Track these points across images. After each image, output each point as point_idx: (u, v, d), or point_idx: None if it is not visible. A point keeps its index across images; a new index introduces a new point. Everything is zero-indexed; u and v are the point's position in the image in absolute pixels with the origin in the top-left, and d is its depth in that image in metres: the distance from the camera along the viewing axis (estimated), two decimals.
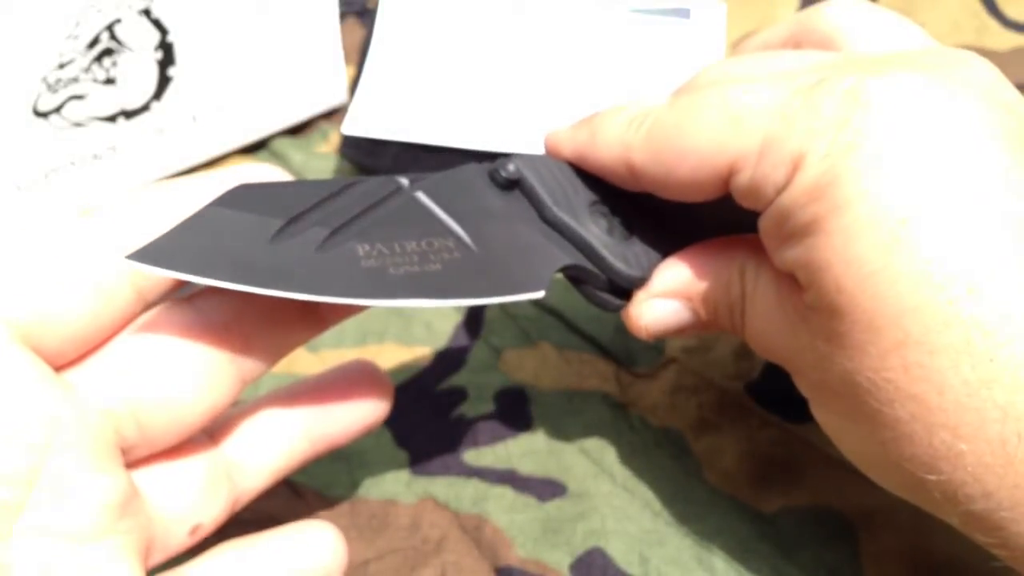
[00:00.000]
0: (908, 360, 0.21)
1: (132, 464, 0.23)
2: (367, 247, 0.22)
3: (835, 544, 0.29)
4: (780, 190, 0.22)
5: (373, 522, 0.30)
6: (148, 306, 0.23)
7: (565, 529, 0.30)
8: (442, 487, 0.31)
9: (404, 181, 0.24)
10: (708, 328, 0.27)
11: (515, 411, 0.33)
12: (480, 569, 0.29)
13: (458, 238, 0.24)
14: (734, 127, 0.23)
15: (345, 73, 0.42)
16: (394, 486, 0.31)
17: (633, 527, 0.30)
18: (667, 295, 0.27)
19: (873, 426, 0.22)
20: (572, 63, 0.41)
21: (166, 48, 0.36)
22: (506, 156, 0.26)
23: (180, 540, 0.24)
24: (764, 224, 0.24)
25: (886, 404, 0.21)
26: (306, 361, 0.34)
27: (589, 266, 0.26)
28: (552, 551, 0.29)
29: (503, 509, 0.30)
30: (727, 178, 0.24)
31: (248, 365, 0.23)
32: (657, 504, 0.30)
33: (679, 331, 0.27)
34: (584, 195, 0.26)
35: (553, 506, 0.31)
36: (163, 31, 0.36)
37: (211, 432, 0.25)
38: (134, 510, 0.22)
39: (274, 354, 0.24)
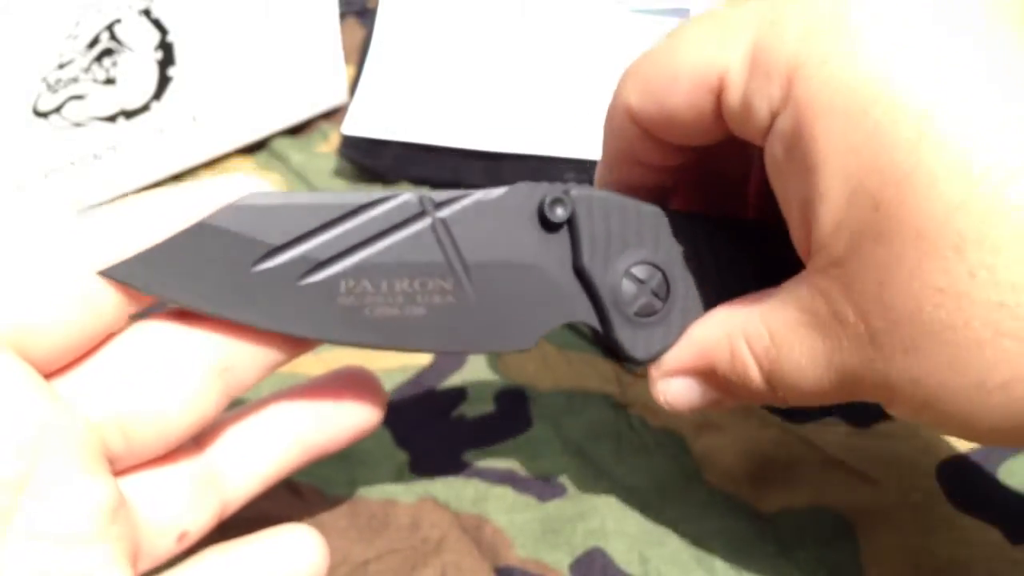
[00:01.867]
0: (971, 262, 0.19)
1: (118, 473, 0.23)
2: (351, 283, 0.22)
3: (835, 544, 0.29)
4: (776, 109, 0.21)
5: (373, 522, 0.30)
6: (136, 317, 0.22)
7: (565, 529, 0.30)
8: (442, 487, 0.31)
9: (431, 203, 0.22)
10: (741, 401, 0.25)
11: (515, 411, 0.33)
12: (480, 569, 0.29)
13: (458, 282, 0.23)
14: (721, 36, 0.21)
15: (345, 73, 0.42)
16: (394, 486, 0.31)
17: (633, 527, 0.30)
18: (675, 374, 0.25)
19: (964, 366, 0.19)
20: (572, 63, 0.41)
21: (166, 48, 0.37)
22: (566, 187, 0.24)
23: (167, 548, 0.24)
24: (771, 161, 0.22)
25: (962, 327, 0.19)
26: (306, 361, 0.34)
27: (597, 327, 0.25)
28: (552, 551, 0.29)
29: (503, 509, 0.30)
30: (720, 99, 0.22)
31: (235, 379, 0.23)
32: (657, 504, 0.30)
33: (705, 408, 0.25)
34: (633, 250, 0.24)
35: (553, 506, 0.30)
36: (163, 31, 0.36)
37: (199, 439, 0.25)
38: (122, 517, 0.22)
39: (261, 369, 0.24)
